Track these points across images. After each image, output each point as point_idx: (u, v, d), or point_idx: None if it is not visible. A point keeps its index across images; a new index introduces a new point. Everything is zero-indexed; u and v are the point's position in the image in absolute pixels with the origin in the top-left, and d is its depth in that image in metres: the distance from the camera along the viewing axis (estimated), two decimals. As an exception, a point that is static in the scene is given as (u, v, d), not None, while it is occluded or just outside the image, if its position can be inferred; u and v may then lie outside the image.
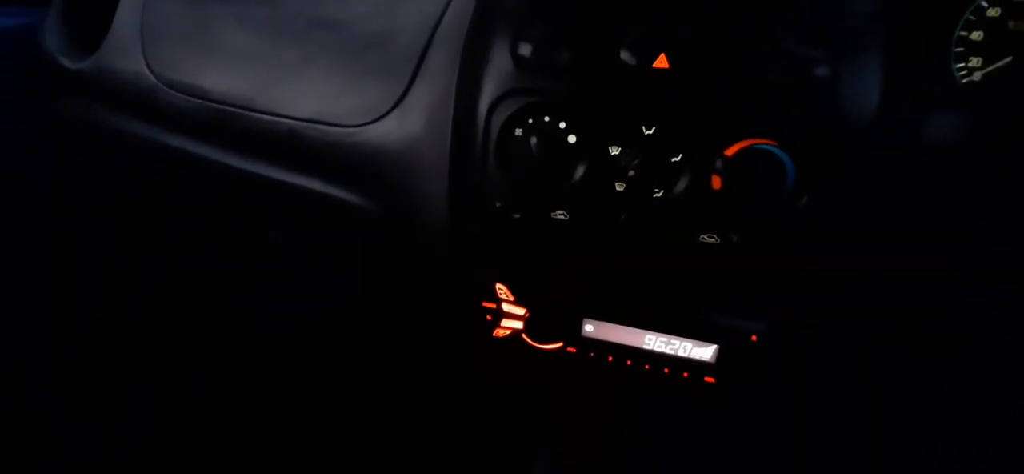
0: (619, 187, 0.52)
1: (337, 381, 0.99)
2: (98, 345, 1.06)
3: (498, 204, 0.55)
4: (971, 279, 0.50)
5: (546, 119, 0.52)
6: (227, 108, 0.71)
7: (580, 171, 0.52)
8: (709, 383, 0.54)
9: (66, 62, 0.81)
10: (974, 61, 0.51)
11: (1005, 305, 0.50)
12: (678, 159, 0.50)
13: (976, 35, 0.51)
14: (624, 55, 0.49)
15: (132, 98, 0.76)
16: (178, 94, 0.73)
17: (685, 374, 0.54)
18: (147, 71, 0.75)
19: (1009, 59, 0.50)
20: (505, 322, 0.58)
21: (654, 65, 0.48)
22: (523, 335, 0.57)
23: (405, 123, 0.63)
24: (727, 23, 0.48)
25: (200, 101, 0.72)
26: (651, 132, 0.50)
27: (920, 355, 0.55)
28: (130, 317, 1.06)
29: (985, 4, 0.51)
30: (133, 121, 0.78)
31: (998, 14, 0.51)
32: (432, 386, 0.85)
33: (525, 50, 0.52)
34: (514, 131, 0.54)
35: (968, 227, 0.50)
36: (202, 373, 1.04)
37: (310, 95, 0.67)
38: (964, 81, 0.51)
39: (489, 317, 0.58)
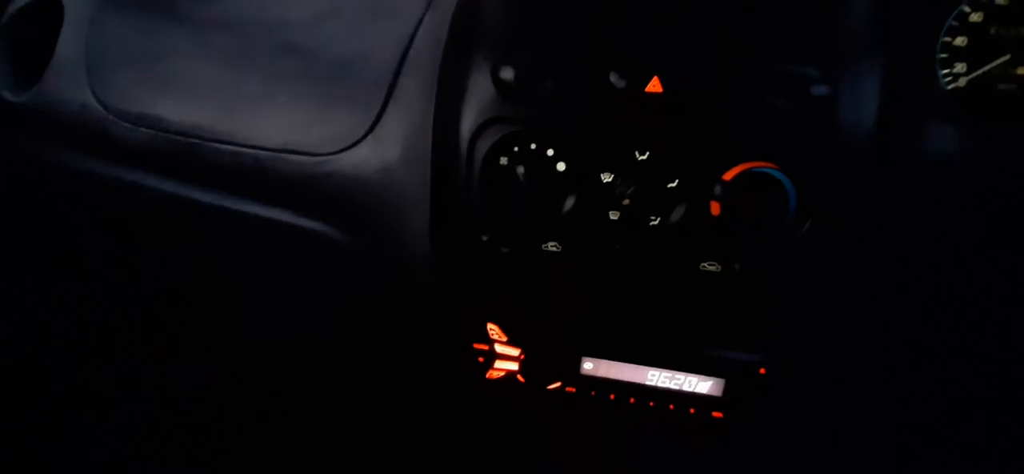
0: (613, 216, 0.50)
1: (317, 415, 0.97)
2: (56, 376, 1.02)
3: (485, 237, 0.53)
4: (979, 299, 0.49)
5: (533, 147, 0.50)
6: (187, 139, 0.67)
7: (571, 200, 0.50)
8: (717, 419, 0.52)
9: (6, 94, 0.76)
10: (959, 67, 0.51)
11: (1015, 326, 0.50)
12: (674, 185, 0.48)
13: (960, 41, 0.51)
14: (614, 78, 0.47)
15: (80, 131, 0.72)
16: (131, 126, 0.69)
17: (692, 410, 0.53)
18: (94, 101, 0.71)
19: (992, 64, 0.50)
20: (499, 363, 0.56)
21: (647, 89, 0.46)
22: (518, 376, 0.55)
23: (380, 151, 0.60)
24: (722, 44, 0.46)
25: (157, 133, 0.68)
26: (645, 158, 0.48)
27: (931, 377, 0.55)
28: (92, 351, 1.02)
29: (967, 9, 0.51)
30: (83, 156, 0.74)
31: (980, 19, 0.51)
32: (421, 427, 0.83)
33: (507, 75, 0.50)
34: (499, 160, 0.51)
35: (973, 242, 0.49)
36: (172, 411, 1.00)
37: (277, 124, 0.64)
38: (950, 87, 0.51)
39: (481, 359, 0.56)
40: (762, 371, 0.50)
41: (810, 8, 0.46)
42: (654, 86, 0.46)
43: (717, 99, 0.46)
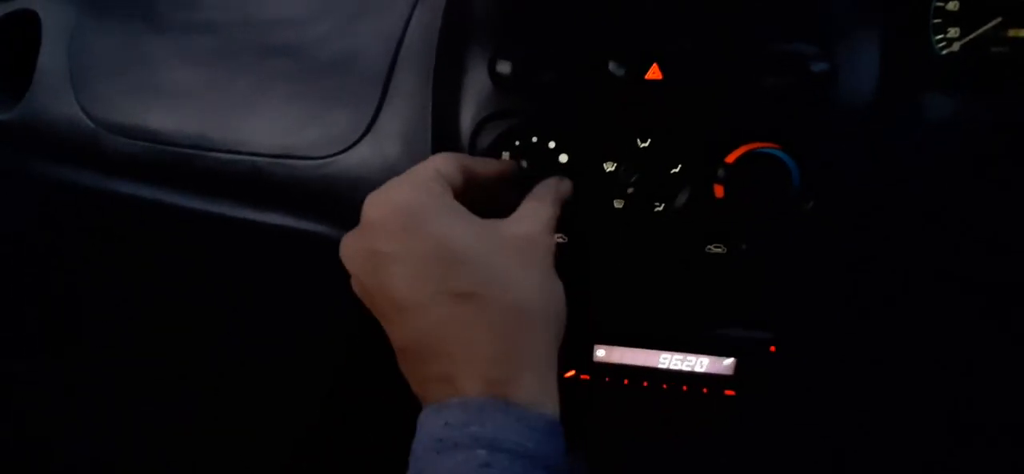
0: (618, 204, 0.51)
1: (320, 413, 0.99)
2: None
3: (491, 232, 0.54)
4: (986, 270, 0.51)
5: (534, 140, 0.51)
6: (180, 149, 0.68)
7: (575, 191, 0.51)
8: (730, 396, 0.55)
9: (-10, 114, 0.75)
10: (952, 31, 0.53)
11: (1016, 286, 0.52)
12: (677, 170, 0.49)
13: (952, 5, 0.52)
14: (613, 67, 0.48)
15: (71, 146, 0.73)
16: (122, 138, 0.70)
17: (705, 390, 0.55)
18: (83, 115, 0.71)
19: (984, 27, 0.52)
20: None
21: (646, 76, 0.47)
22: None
23: (379, 150, 0.61)
24: (720, 28, 0.47)
25: (148, 144, 0.69)
26: (647, 145, 0.49)
27: (936, 347, 0.57)
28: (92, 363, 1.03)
29: (958, -27, 0.52)
30: (75, 170, 0.74)
31: (972, -17, 0.52)
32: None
33: (504, 68, 0.50)
34: (500, 155, 0.52)
35: (977, 214, 0.51)
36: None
37: (271, 128, 0.64)
38: (944, 52, 0.52)
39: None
40: (772, 349, 0.52)
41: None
42: (653, 73, 0.47)
43: (717, 83, 0.47)
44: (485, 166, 0.46)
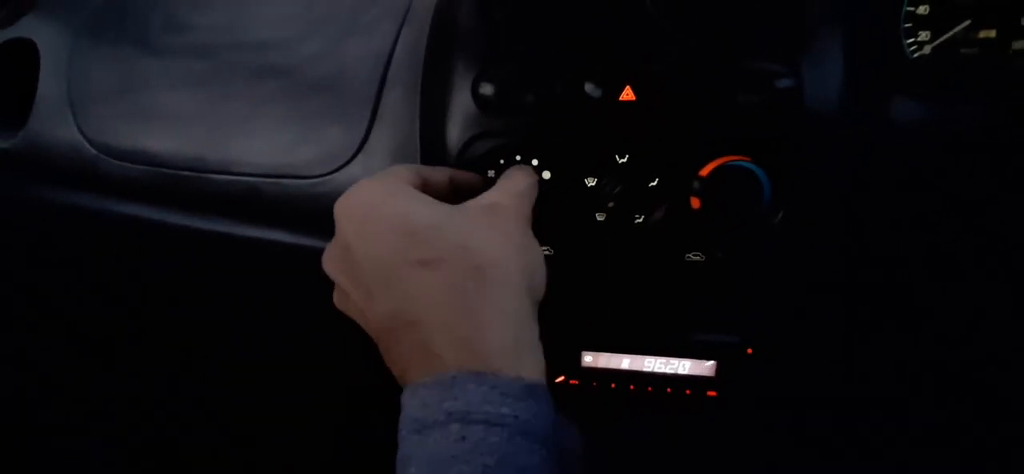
0: (600, 217, 0.56)
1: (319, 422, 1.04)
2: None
3: (479, 247, 0.58)
4: (956, 275, 0.56)
5: (518, 159, 0.56)
6: (178, 172, 0.72)
7: (559, 206, 0.55)
8: (712, 397, 0.59)
9: (-8, 141, 0.80)
10: (923, 35, 0.56)
11: (990, 300, 0.56)
12: (655, 184, 0.54)
13: (922, 9, 0.56)
14: (589, 89, 0.52)
15: (73, 171, 0.77)
16: (120, 162, 0.74)
17: (688, 392, 0.59)
18: (82, 140, 0.76)
19: (954, 29, 0.56)
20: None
21: (620, 98, 0.51)
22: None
23: (371, 169, 0.65)
24: (689, 50, 0.51)
25: (147, 168, 0.73)
26: (625, 161, 0.54)
27: (907, 351, 0.61)
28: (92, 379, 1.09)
29: (928, -23, 0.56)
30: (76, 194, 0.79)
31: (941, -14, 0.56)
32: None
33: (487, 90, 0.55)
34: (487, 173, 0.57)
35: (945, 218, 0.55)
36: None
37: (265, 148, 0.69)
38: (915, 55, 0.56)
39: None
40: (749, 352, 0.57)
41: (770, 4, 0.51)
42: (627, 95, 0.51)
43: (688, 101, 0.51)
44: (441, 174, 0.49)
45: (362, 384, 0.97)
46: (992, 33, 0.56)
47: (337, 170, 0.66)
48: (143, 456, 1.09)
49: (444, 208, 0.42)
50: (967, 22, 0.56)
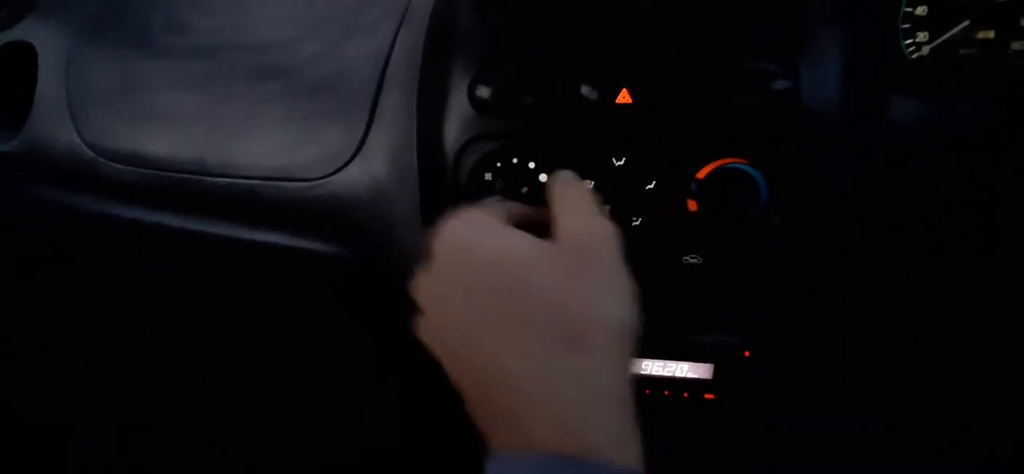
0: (597, 219, 0.56)
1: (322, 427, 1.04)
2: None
3: (477, 250, 0.59)
4: (955, 276, 0.56)
5: (515, 161, 0.56)
6: (178, 175, 0.72)
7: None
8: (709, 400, 0.59)
9: (-9, 144, 0.81)
10: (921, 36, 0.57)
11: (990, 300, 0.56)
12: (652, 186, 0.54)
13: (921, 10, 0.56)
14: (585, 91, 0.52)
15: (71, 173, 0.78)
16: (120, 165, 0.75)
17: (685, 394, 0.60)
18: (81, 143, 0.76)
19: (953, 30, 0.56)
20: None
21: (617, 100, 0.52)
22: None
23: (369, 170, 0.65)
24: (686, 51, 0.51)
25: (146, 171, 0.74)
26: (622, 163, 0.54)
27: (905, 353, 0.62)
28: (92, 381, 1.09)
29: (926, -21, 0.56)
30: (76, 196, 0.80)
31: (940, -13, 0.56)
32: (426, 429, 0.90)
33: (484, 93, 0.55)
34: (484, 176, 0.57)
35: (944, 219, 0.55)
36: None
37: (264, 150, 0.69)
38: (914, 56, 0.56)
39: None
40: (747, 354, 0.57)
41: (767, 5, 0.51)
42: (624, 97, 0.52)
43: (685, 103, 0.52)
44: (526, 212, 0.47)
45: (363, 387, 0.97)
46: (991, 34, 0.56)
47: (336, 172, 0.66)
48: (142, 458, 1.10)
49: (543, 251, 0.38)
50: (966, 23, 0.56)
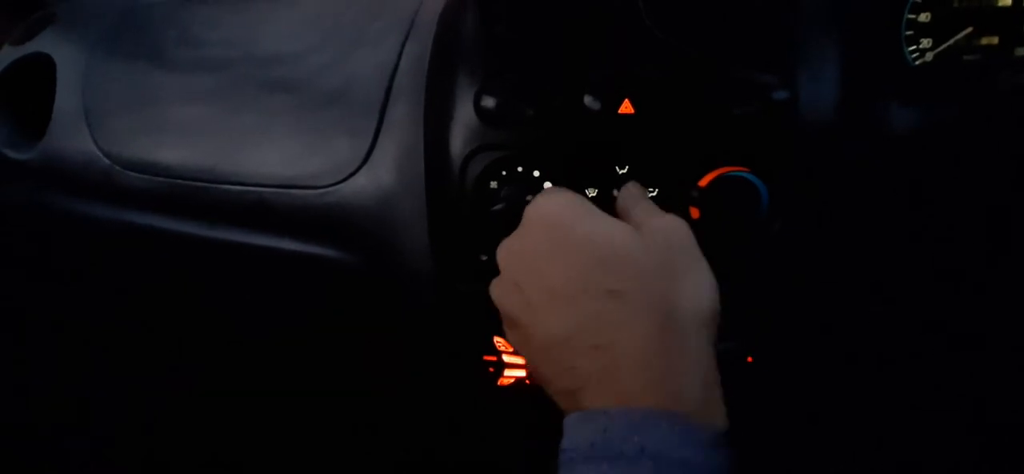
0: (601, 226, 0.57)
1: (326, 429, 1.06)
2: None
3: (484, 257, 0.60)
4: (957, 283, 0.57)
5: (520, 169, 0.57)
6: (191, 183, 0.75)
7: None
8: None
9: (10, 153, 0.84)
10: (925, 42, 0.58)
11: (992, 308, 0.57)
12: (655, 194, 0.55)
13: (924, 17, 0.57)
14: (588, 101, 0.54)
15: (88, 183, 0.80)
16: (135, 173, 0.77)
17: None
18: (98, 153, 0.79)
19: (957, 36, 0.57)
20: (508, 372, 0.65)
21: (619, 110, 0.53)
22: (527, 381, 0.64)
23: (376, 179, 0.67)
24: (686, 63, 0.52)
25: (160, 179, 0.76)
26: (625, 171, 0.55)
27: (907, 359, 0.62)
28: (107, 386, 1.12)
29: (929, -15, 0.58)
30: (92, 205, 0.82)
31: (943, -6, 0.57)
32: (432, 432, 0.92)
33: (489, 103, 0.57)
34: (489, 184, 0.58)
35: (947, 225, 0.56)
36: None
37: (274, 159, 0.71)
38: (917, 63, 0.57)
39: (491, 369, 0.64)
40: (749, 360, 0.58)
41: (765, 16, 0.53)
42: (626, 108, 0.53)
43: (686, 113, 0.53)
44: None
45: (369, 390, 0.99)
46: (994, 40, 0.57)
47: (344, 181, 0.69)
48: (154, 461, 1.12)
49: (637, 237, 0.42)
50: (969, 29, 0.57)
